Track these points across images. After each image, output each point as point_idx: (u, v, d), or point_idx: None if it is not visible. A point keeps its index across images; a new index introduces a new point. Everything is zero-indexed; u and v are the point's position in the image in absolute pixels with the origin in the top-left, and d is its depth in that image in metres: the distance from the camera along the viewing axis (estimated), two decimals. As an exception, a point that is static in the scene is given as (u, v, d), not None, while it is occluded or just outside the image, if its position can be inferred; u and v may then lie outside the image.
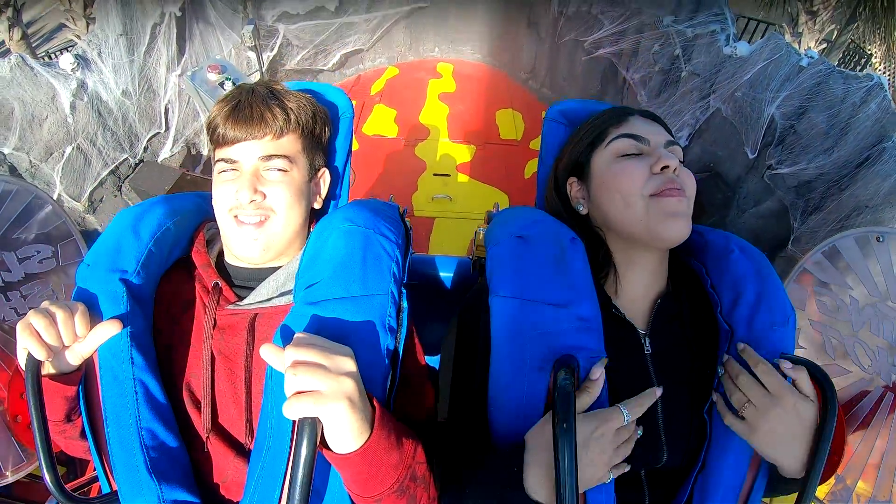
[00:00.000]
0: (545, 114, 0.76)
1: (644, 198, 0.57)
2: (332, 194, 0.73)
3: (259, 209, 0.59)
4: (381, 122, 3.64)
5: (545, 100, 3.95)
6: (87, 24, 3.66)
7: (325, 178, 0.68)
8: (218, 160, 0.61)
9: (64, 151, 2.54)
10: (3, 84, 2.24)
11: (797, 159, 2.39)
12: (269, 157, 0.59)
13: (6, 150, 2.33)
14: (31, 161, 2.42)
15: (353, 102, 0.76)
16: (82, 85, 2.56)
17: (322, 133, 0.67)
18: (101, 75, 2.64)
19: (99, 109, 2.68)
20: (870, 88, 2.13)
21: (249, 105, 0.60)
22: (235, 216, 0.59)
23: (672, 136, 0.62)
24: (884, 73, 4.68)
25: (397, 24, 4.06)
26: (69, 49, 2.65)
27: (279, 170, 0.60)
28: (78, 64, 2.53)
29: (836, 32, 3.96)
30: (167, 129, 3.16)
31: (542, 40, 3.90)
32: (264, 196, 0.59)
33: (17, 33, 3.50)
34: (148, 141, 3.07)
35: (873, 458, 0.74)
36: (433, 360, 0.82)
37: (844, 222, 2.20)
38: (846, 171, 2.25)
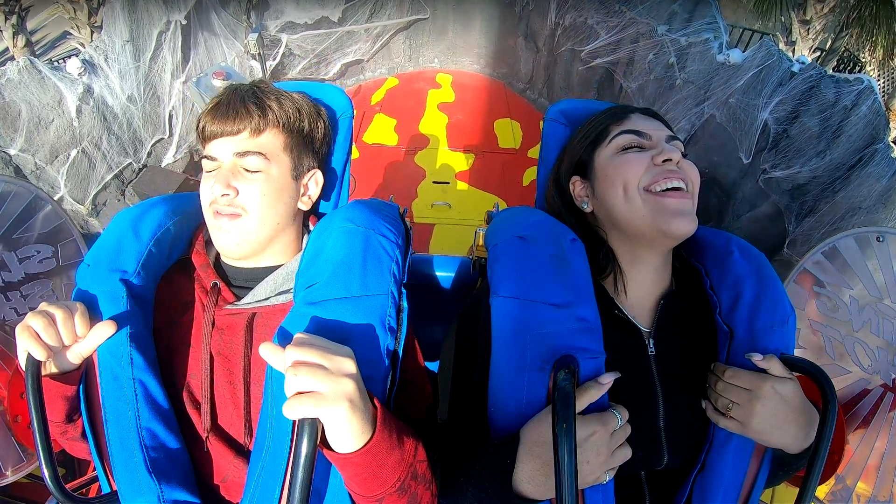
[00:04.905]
0: (545, 114, 0.76)
1: (644, 191, 0.57)
2: (327, 196, 0.72)
3: (230, 206, 0.59)
4: (381, 131, 3.67)
5: (543, 109, 4.00)
6: (92, 33, 3.69)
7: (316, 178, 0.67)
8: (202, 157, 0.62)
9: (69, 154, 2.56)
10: (11, 86, 2.27)
11: (791, 163, 2.41)
12: (244, 153, 0.60)
13: (12, 152, 2.35)
14: (36, 163, 2.44)
15: (354, 113, 0.76)
16: (88, 89, 2.59)
17: (314, 132, 0.66)
18: (108, 80, 2.67)
19: (104, 114, 2.70)
20: (860, 91, 2.16)
21: (229, 102, 0.61)
22: (216, 210, 0.60)
23: (672, 131, 0.63)
24: (877, 80, 4.73)
25: (397, 35, 4.12)
26: (76, 55, 2.68)
27: (252, 169, 0.59)
28: (85, 69, 2.56)
29: (829, 41, 4.02)
30: (171, 134, 3.19)
31: (540, 51, 3.96)
32: (237, 192, 0.59)
33: (21, 40, 3.53)
34: (152, 146, 3.10)
35: (873, 458, 0.73)
36: (433, 364, 0.82)
37: (839, 224, 2.21)
38: (839, 173, 2.27)
